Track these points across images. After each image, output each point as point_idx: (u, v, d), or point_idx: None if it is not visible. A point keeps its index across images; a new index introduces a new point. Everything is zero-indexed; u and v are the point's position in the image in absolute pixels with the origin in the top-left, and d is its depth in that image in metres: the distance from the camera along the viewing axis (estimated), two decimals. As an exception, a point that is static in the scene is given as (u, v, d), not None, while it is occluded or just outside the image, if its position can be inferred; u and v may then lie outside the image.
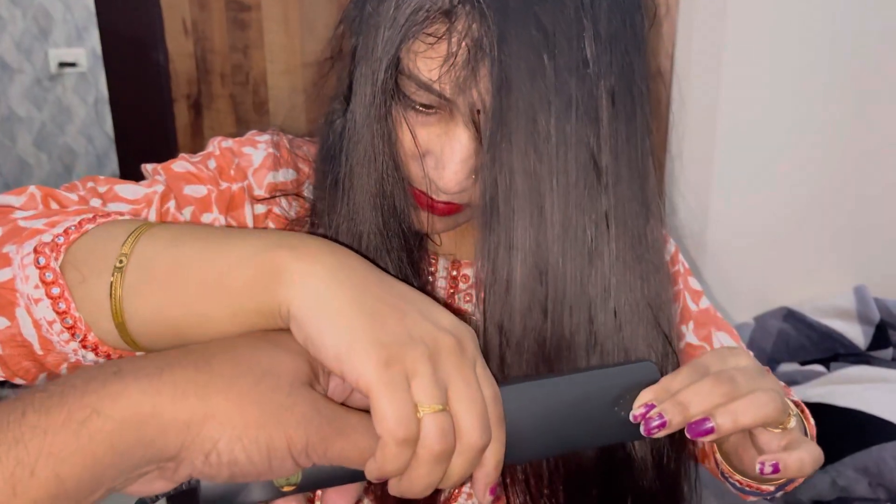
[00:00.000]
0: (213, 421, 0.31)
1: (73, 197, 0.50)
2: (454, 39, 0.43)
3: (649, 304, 0.49)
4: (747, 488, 0.53)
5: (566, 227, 0.45)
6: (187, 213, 0.54)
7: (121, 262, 0.38)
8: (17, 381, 0.42)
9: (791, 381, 1.25)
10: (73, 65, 2.38)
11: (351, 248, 0.39)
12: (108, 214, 0.43)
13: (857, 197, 1.40)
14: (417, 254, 0.55)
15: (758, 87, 1.26)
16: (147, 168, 0.57)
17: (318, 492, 0.39)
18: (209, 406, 0.31)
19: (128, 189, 0.53)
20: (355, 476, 0.36)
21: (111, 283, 0.38)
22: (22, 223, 0.42)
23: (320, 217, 0.55)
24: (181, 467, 0.32)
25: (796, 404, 0.61)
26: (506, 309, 0.46)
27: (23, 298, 0.39)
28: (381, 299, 0.36)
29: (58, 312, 0.39)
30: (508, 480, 0.52)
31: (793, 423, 0.44)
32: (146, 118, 1.27)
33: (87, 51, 2.42)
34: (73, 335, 0.39)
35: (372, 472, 0.35)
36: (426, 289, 0.58)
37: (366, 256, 0.51)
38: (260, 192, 0.58)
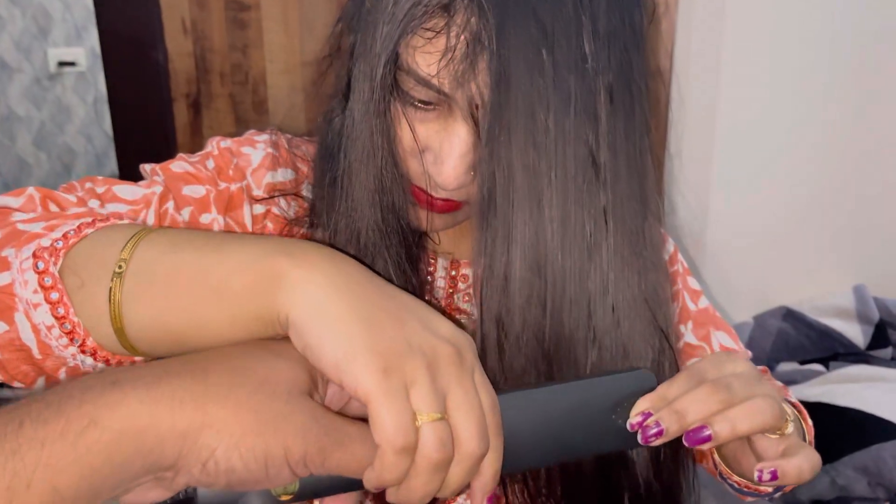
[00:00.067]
0: (210, 430, 0.31)
1: (72, 198, 0.50)
2: (453, 33, 0.43)
3: (647, 301, 0.49)
4: (745, 489, 0.53)
5: (565, 222, 0.45)
6: (186, 213, 0.54)
7: (120, 267, 0.38)
8: (16, 384, 0.42)
9: (790, 380, 1.25)
10: (72, 64, 2.38)
11: (349, 254, 0.39)
12: (107, 219, 0.43)
13: (856, 196, 1.40)
14: (416, 251, 0.55)
15: (757, 86, 1.26)
16: (145, 168, 0.57)
17: (316, 501, 0.39)
18: (207, 415, 0.31)
19: (126, 190, 0.53)
20: (353, 485, 0.36)
21: (110, 288, 0.38)
22: (21, 226, 0.42)
23: (319, 216, 0.55)
24: (179, 476, 0.32)
25: (794, 405, 0.61)
26: (504, 303, 0.46)
27: (21, 303, 0.39)
28: (380, 307, 0.36)
29: (56, 317, 0.39)
30: (507, 480, 0.52)
31: (790, 428, 0.44)
32: (145, 117, 1.27)
33: (86, 50, 2.42)
34: (71, 340, 0.39)
35: (370, 481, 0.35)
36: (425, 287, 0.58)
37: (364, 253, 0.51)
38: (258, 192, 0.58)
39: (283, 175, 0.59)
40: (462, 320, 0.61)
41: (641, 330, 0.49)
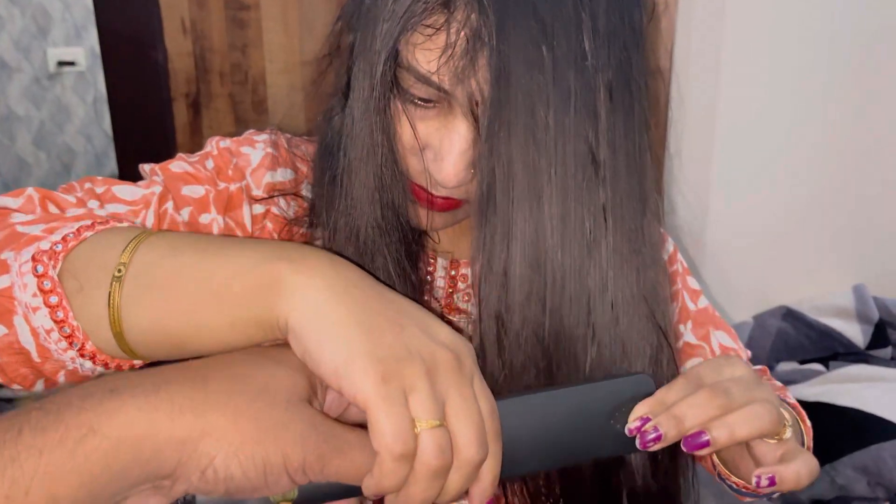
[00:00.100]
0: (209, 438, 0.31)
1: (71, 199, 0.50)
2: (453, 29, 0.43)
3: (645, 298, 0.49)
4: (744, 490, 0.53)
5: (564, 219, 0.45)
6: (185, 213, 0.54)
7: (119, 271, 0.38)
8: (15, 386, 0.42)
9: (790, 380, 1.25)
10: (71, 64, 2.38)
11: (348, 255, 0.39)
12: (107, 221, 0.43)
13: (856, 195, 1.40)
14: (416, 249, 0.55)
15: (757, 86, 1.26)
16: (145, 168, 0.57)
17: None
18: (206, 423, 0.31)
19: (125, 190, 0.53)
20: (352, 491, 0.36)
21: (109, 292, 0.38)
22: (20, 228, 0.42)
23: (318, 215, 0.55)
24: (177, 484, 0.32)
25: (793, 407, 0.61)
26: (503, 300, 0.46)
27: (21, 306, 0.39)
28: (379, 313, 0.36)
29: (56, 321, 0.38)
30: (507, 480, 0.52)
31: (788, 433, 0.44)
32: (145, 117, 1.27)
33: (85, 50, 2.42)
34: (71, 344, 0.39)
35: (369, 488, 0.35)
36: (425, 286, 0.58)
37: (364, 251, 0.51)
38: (258, 192, 0.58)
39: (282, 175, 0.59)
40: (462, 320, 0.61)
41: (640, 327, 0.49)
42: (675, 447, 0.42)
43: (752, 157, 1.29)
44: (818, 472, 0.43)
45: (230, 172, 0.57)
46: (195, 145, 1.26)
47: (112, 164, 2.52)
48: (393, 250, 0.52)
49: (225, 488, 0.32)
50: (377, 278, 0.51)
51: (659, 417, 0.41)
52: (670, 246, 0.70)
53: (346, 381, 0.33)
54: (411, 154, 0.50)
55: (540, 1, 0.42)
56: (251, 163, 0.58)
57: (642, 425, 0.41)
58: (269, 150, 0.60)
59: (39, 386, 0.43)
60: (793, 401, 0.63)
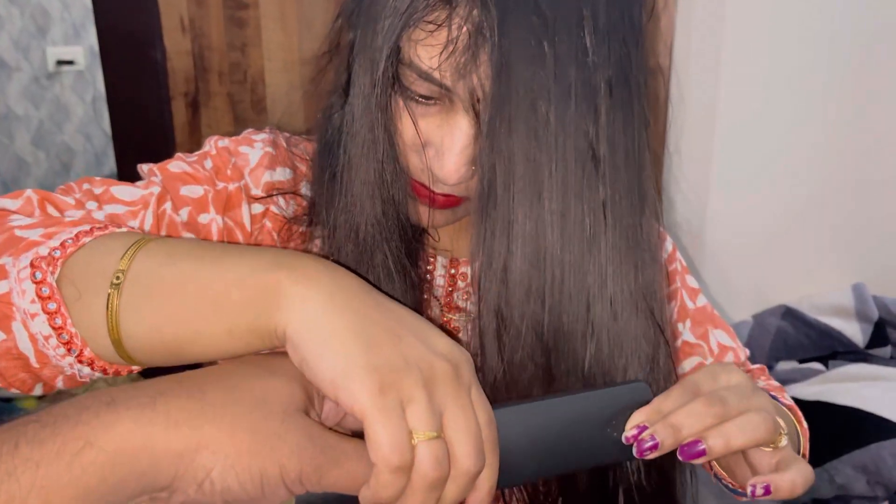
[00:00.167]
0: (206, 450, 0.31)
1: (70, 200, 0.50)
2: (454, 25, 0.43)
3: (644, 295, 0.49)
4: (740, 490, 0.53)
5: (564, 215, 0.45)
6: (184, 213, 0.54)
7: (118, 278, 0.38)
8: (13, 391, 0.42)
9: (789, 379, 1.25)
10: (70, 63, 2.38)
11: (345, 264, 0.39)
12: (106, 227, 0.43)
13: (856, 194, 1.39)
14: (416, 246, 0.55)
15: (757, 84, 1.25)
16: (143, 168, 0.57)
17: None
18: (202, 435, 0.31)
19: (124, 191, 0.53)
20: (349, 501, 0.36)
21: (108, 299, 0.38)
22: (18, 232, 0.42)
23: (318, 212, 0.55)
24: (174, 496, 0.32)
25: (790, 408, 0.61)
26: (503, 295, 0.46)
27: (19, 312, 0.39)
28: (377, 323, 0.36)
29: (54, 328, 0.39)
30: None
31: (784, 441, 0.44)
32: (144, 116, 1.26)
33: (84, 49, 2.42)
34: (69, 350, 0.39)
35: (366, 499, 0.35)
36: (424, 284, 0.58)
37: (364, 248, 0.51)
38: (257, 192, 0.58)
39: (281, 174, 0.59)
40: (461, 318, 0.61)
41: (638, 324, 0.49)
42: (672, 452, 0.42)
43: (751, 155, 1.29)
44: (813, 479, 0.43)
45: (229, 172, 0.57)
46: (194, 144, 1.26)
47: (111, 163, 2.51)
48: (393, 247, 0.52)
49: (222, 500, 0.32)
50: (377, 276, 0.51)
51: (656, 426, 0.41)
52: (669, 245, 0.69)
53: (343, 391, 0.33)
54: (412, 151, 0.50)
55: None
56: (250, 162, 0.58)
57: (639, 433, 0.41)
58: (268, 149, 0.60)
59: (38, 389, 0.43)
60: (789, 402, 0.63)
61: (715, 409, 0.41)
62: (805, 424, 0.62)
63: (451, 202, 0.51)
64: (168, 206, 0.53)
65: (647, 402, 0.43)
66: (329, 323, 0.35)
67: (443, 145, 0.48)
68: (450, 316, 0.61)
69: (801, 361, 1.32)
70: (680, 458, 0.41)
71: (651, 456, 0.41)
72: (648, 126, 0.49)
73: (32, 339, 0.39)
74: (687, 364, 0.68)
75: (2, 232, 0.43)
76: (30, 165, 2.32)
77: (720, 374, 0.45)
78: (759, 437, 0.42)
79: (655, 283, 0.50)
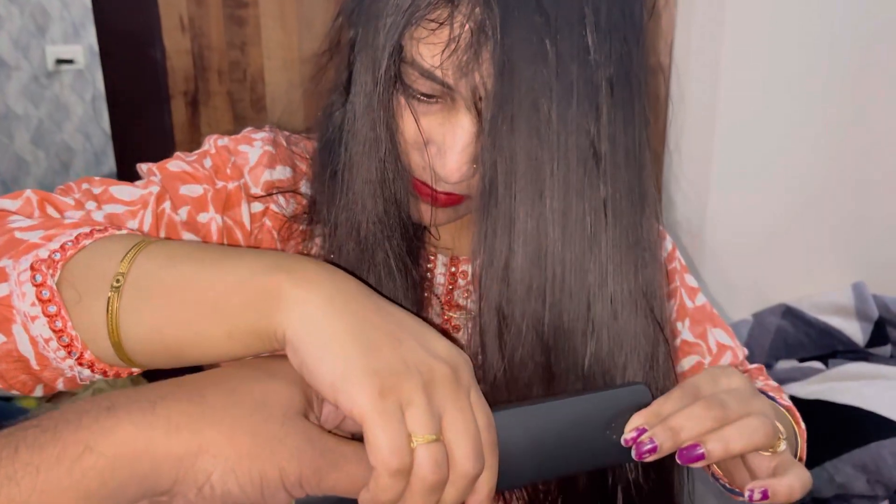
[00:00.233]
0: (206, 454, 0.31)
1: (69, 201, 0.50)
2: (457, 23, 0.43)
3: (643, 294, 0.49)
4: (738, 489, 0.53)
5: (566, 214, 0.45)
6: (183, 213, 0.54)
7: (118, 281, 0.38)
8: (14, 392, 0.42)
9: (789, 378, 1.25)
10: (70, 62, 2.37)
11: (344, 268, 0.39)
12: (106, 229, 0.43)
13: (856, 193, 1.39)
14: (417, 244, 0.55)
15: (757, 83, 1.25)
16: (142, 168, 0.57)
17: None
18: (202, 439, 0.31)
19: (123, 190, 0.53)
20: None
21: (108, 302, 0.38)
22: (18, 234, 0.42)
23: (319, 211, 0.55)
24: (174, 500, 0.32)
25: (788, 409, 0.62)
26: (504, 293, 0.46)
27: (19, 315, 0.39)
28: (377, 327, 0.36)
29: (54, 331, 0.39)
30: None
31: (783, 446, 0.44)
32: (143, 115, 1.26)
33: (84, 48, 2.42)
34: (69, 353, 0.39)
35: (366, 502, 0.35)
36: (425, 283, 0.58)
37: (365, 246, 0.51)
38: (256, 191, 0.58)
39: (281, 172, 0.59)
40: (461, 316, 0.61)
41: (638, 322, 0.49)
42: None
43: (751, 154, 1.29)
44: (811, 484, 0.43)
45: (228, 171, 0.57)
46: (193, 143, 1.26)
47: (110, 162, 2.51)
48: (395, 245, 0.52)
49: None
50: (378, 274, 0.51)
51: (655, 429, 0.41)
52: (669, 244, 0.69)
53: (342, 395, 0.33)
54: (414, 149, 0.50)
55: None
56: (249, 161, 0.58)
57: (638, 436, 0.41)
58: (268, 147, 0.59)
59: (38, 391, 0.43)
60: (787, 402, 0.64)
61: (714, 413, 0.41)
62: (803, 425, 0.62)
63: (452, 200, 0.51)
64: (167, 205, 0.53)
65: (646, 405, 0.43)
66: (328, 326, 0.35)
67: (444, 143, 0.48)
68: (450, 314, 0.61)
69: (801, 360, 1.32)
70: (679, 461, 0.41)
71: (650, 459, 0.41)
72: (649, 124, 0.49)
73: (33, 341, 0.39)
74: (685, 363, 0.68)
75: (2, 234, 0.43)
76: (29, 164, 2.32)
77: (720, 378, 0.45)
78: (759, 441, 0.42)
79: (655, 282, 0.50)
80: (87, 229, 0.42)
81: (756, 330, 1.35)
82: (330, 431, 0.37)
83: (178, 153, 0.58)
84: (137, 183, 0.54)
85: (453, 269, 0.61)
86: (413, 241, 0.54)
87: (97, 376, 0.41)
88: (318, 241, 0.56)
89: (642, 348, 0.49)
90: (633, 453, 0.41)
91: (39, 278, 0.39)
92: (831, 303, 1.35)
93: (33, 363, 0.40)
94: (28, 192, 0.49)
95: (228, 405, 0.33)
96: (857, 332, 1.31)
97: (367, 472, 0.34)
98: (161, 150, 0.60)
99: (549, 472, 0.43)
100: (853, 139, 1.35)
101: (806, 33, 1.26)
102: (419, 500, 0.34)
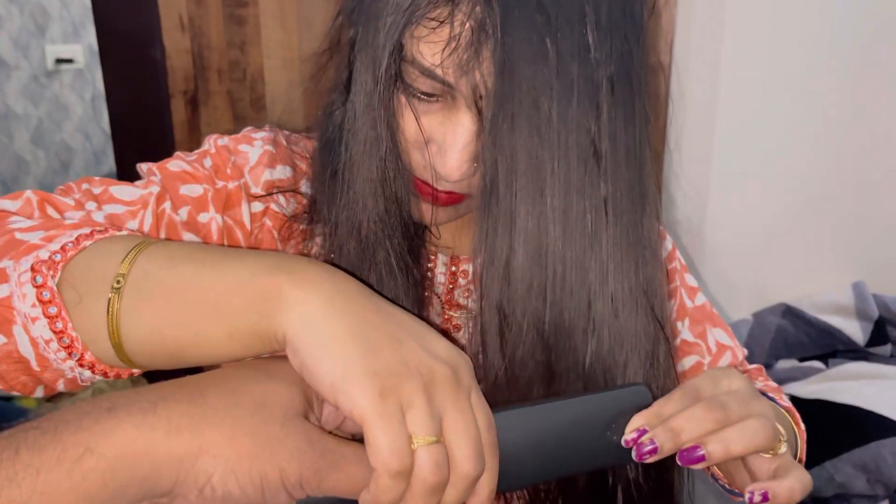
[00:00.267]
0: (206, 455, 0.31)
1: (69, 201, 0.50)
2: (457, 21, 0.43)
3: (644, 291, 0.49)
4: (736, 490, 0.53)
5: (566, 212, 0.45)
6: (184, 213, 0.54)
7: (118, 282, 0.38)
8: (14, 392, 0.42)
9: (789, 377, 1.25)
10: (69, 61, 2.37)
11: (345, 263, 0.39)
12: (106, 230, 0.43)
13: (856, 192, 1.39)
14: (418, 243, 0.55)
15: (757, 82, 1.25)
16: (142, 168, 0.57)
17: None
18: (203, 440, 0.31)
19: (123, 191, 0.52)
20: None
21: (108, 303, 0.38)
22: (18, 235, 0.42)
23: (319, 210, 0.55)
24: (175, 502, 0.32)
25: (787, 410, 0.61)
26: (505, 292, 0.46)
27: (20, 316, 0.39)
28: (377, 327, 0.36)
29: (55, 332, 0.39)
30: None
31: (783, 448, 0.44)
32: (143, 114, 1.26)
33: (83, 47, 2.42)
34: (70, 354, 0.39)
35: (366, 503, 0.35)
36: (426, 282, 0.58)
37: (366, 245, 0.51)
38: (257, 190, 0.58)
39: (281, 172, 0.59)
40: (462, 316, 0.61)
41: (638, 320, 0.49)
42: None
43: (751, 153, 1.29)
44: (811, 487, 0.43)
45: (228, 171, 0.57)
46: (193, 142, 1.26)
47: (110, 162, 2.51)
48: (396, 244, 0.52)
49: None
50: (379, 273, 0.51)
51: (655, 430, 0.41)
52: (669, 243, 0.69)
53: (343, 396, 0.33)
54: (414, 148, 0.50)
55: None
56: (249, 161, 0.58)
57: (639, 437, 0.41)
58: (268, 147, 0.59)
59: (39, 392, 0.43)
60: (787, 403, 0.63)
61: (715, 415, 0.41)
62: (802, 426, 0.62)
63: (453, 199, 0.51)
64: (167, 205, 0.53)
65: (646, 406, 0.43)
66: (329, 327, 0.35)
67: (445, 142, 0.48)
68: (450, 313, 0.61)
69: (801, 360, 1.32)
70: (679, 463, 0.41)
71: (650, 460, 0.41)
72: (649, 123, 0.49)
73: (33, 342, 0.39)
74: (685, 362, 0.68)
75: (2, 234, 0.43)
76: (29, 164, 2.32)
77: (721, 379, 0.45)
78: (759, 443, 0.42)
79: (656, 280, 0.50)
80: (87, 230, 0.42)
81: (756, 329, 1.35)
82: (330, 432, 0.37)
83: (178, 153, 0.58)
84: (137, 183, 0.54)
85: (454, 269, 0.61)
86: (414, 240, 0.54)
87: (98, 377, 0.41)
88: (318, 240, 0.56)
89: (643, 346, 0.49)
90: (633, 454, 0.41)
91: (40, 279, 0.39)
92: (831, 302, 1.35)
93: (34, 364, 0.40)
94: (28, 193, 0.49)
95: (229, 406, 0.33)
96: (857, 331, 1.31)
97: (367, 474, 0.34)
98: (161, 150, 0.60)
99: (549, 473, 0.43)
100: (853, 139, 1.35)
101: (806, 32, 1.26)
102: (420, 501, 0.34)
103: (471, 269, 0.60)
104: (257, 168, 0.58)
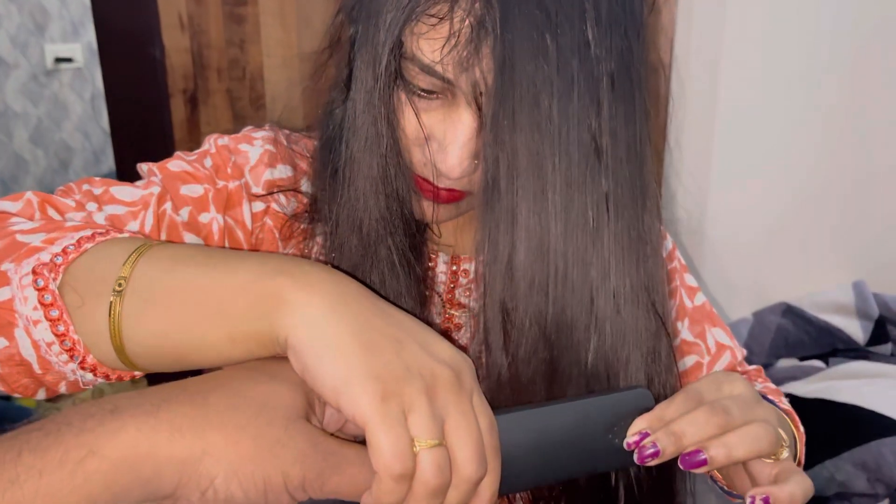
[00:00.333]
0: (209, 458, 0.31)
1: (70, 202, 0.50)
2: (457, 18, 0.43)
3: (645, 288, 0.49)
4: (735, 491, 0.53)
5: (568, 208, 0.45)
6: (184, 213, 0.54)
7: (120, 285, 0.38)
8: (16, 395, 0.42)
9: (790, 376, 1.25)
10: (69, 60, 2.37)
11: (347, 263, 0.39)
12: (107, 232, 0.43)
13: (856, 191, 1.39)
14: (419, 241, 0.55)
15: (757, 80, 1.25)
16: (143, 168, 0.57)
17: None
18: (206, 443, 0.31)
19: (124, 191, 0.52)
20: None
21: (110, 306, 0.38)
22: (20, 237, 0.42)
23: (320, 209, 0.55)
24: None
25: (787, 412, 0.61)
26: (507, 289, 0.46)
27: (21, 319, 0.39)
28: (379, 330, 0.36)
29: (56, 335, 0.39)
30: None
31: (785, 454, 0.44)
32: (142, 113, 1.26)
33: (83, 46, 2.41)
34: (71, 357, 0.39)
35: None
36: (427, 280, 0.58)
37: (367, 243, 0.51)
38: (257, 190, 0.57)
39: (281, 171, 0.59)
40: (462, 314, 0.61)
41: (640, 317, 0.49)
42: None
43: (751, 151, 1.29)
44: (812, 492, 0.43)
45: (229, 170, 0.57)
46: (193, 141, 1.26)
47: (110, 161, 2.51)
48: (397, 241, 0.52)
49: None
50: (381, 271, 0.51)
51: (658, 433, 0.41)
52: (669, 243, 0.69)
53: (345, 399, 0.33)
54: (415, 145, 0.50)
55: None
56: (250, 160, 0.58)
57: (641, 440, 0.41)
58: (268, 146, 0.59)
59: (41, 394, 0.43)
60: (787, 406, 0.63)
61: (717, 419, 0.41)
62: (802, 429, 0.62)
63: (454, 197, 0.51)
64: (168, 205, 0.53)
65: (648, 409, 0.42)
66: (331, 330, 0.35)
67: (445, 139, 0.48)
68: (451, 312, 0.61)
69: (802, 359, 1.32)
70: (681, 466, 0.41)
71: (652, 463, 0.41)
72: (650, 119, 0.49)
73: (35, 345, 0.39)
74: (685, 362, 0.68)
75: (3, 237, 0.43)
76: (28, 163, 2.32)
77: (724, 384, 0.45)
78: (761, 448, 0.42)
79: (657, 276, 0.50)
80: (88, 232, 0.42)
81: (756, 328, 1.35)
82: (332, 434, 0.36)
83: (178, 153, 0.58)
84: (138, 183, 0.54)
85: (454, 268, 0.61)
86: (415, 238, 0.54)
87: (99, 380, 0.41)
88: (319, 239, 0.56)
89: (645, 342, 0.49)
90: (635, 457, 0.41)
91: (41, 282, 0.39)
92: (832, 301, 1.35)
93: (35, 367, 0.40)
94: (28, 194, 0.49)
95: (232, 408, 0.33)
96: (857, 330, 1.31)
97: (369, 476, 0.34)
98: (160, 149, 0.60)
99: (551, 476, 0.42)
100: (854, 136, 1.35)
101: (806, 31, 1.26)
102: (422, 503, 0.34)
103: (472, 269, 0.60)
104: (258, 167, 0.58)
